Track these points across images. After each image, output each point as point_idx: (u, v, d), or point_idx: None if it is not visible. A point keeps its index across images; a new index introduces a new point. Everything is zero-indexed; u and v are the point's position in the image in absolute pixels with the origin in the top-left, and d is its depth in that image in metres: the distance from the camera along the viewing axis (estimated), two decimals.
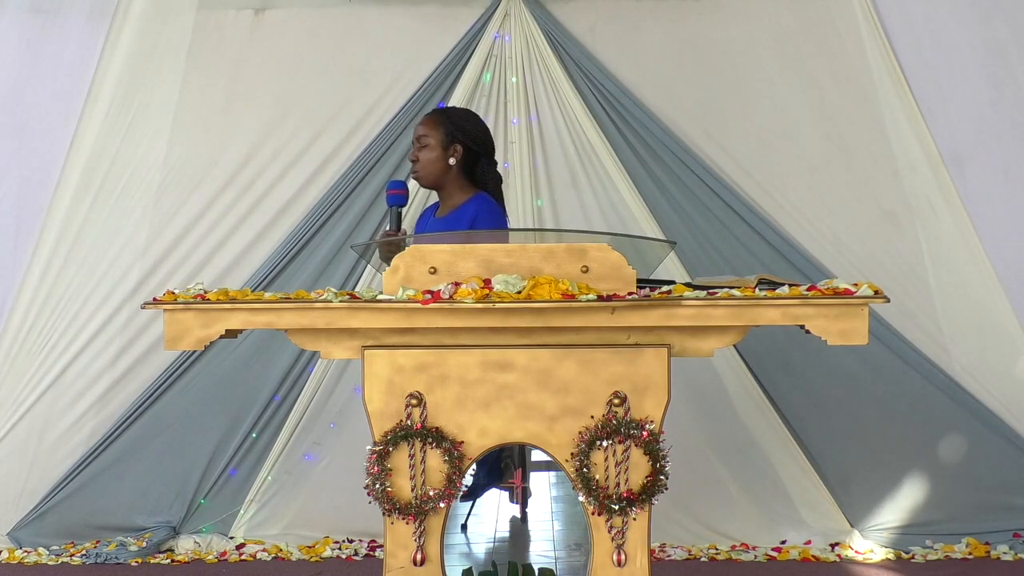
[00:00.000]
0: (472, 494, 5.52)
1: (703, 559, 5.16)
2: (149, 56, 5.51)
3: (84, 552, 5.26)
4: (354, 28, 5.53)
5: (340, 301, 3.01)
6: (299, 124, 5.51)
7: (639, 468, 3.00)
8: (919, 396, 5.33)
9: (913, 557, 5.15)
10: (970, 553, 5.15)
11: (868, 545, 5.24)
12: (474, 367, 3.02)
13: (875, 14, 5.41)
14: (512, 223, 5.45)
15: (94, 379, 5.45)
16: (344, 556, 5.26)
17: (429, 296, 2.98)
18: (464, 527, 5.75)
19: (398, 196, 4.02)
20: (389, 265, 3.10)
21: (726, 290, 3.03)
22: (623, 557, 3.01)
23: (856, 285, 3.04)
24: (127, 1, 5.51)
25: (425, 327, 3.01)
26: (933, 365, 5.34)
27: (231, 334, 3.12)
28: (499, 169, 5.58)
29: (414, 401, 3.02)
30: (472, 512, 5.80)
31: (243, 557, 5.27)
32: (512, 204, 5.46)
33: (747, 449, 5.38)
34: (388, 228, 4.08)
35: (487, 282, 2.99)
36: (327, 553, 5.28)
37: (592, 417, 3.00)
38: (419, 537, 3.03)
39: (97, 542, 5.36)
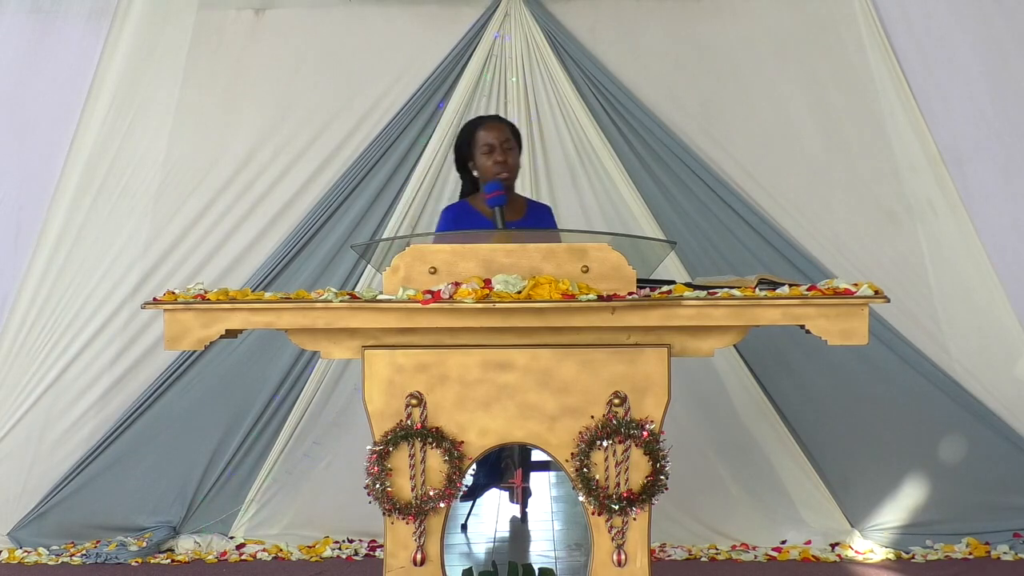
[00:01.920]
0: (472, 494, 5.52)
1: (703, 559, 5.16)
2: (149, 56, 5.51)
3: (84, 552, 5.26)
4: (354, 28, 5.53)
5: (340, 301, 3.01)
6: (299, 124, 5.51)
7: (639, 468, 3.00)
8: (919, 396, 5.33)
9: (913, 557, 5.15)
10: (970, 553, 5.15)
11: (868, 545, 5.23)
12: (474, 367, 3.02)
13: (875, 14, 5.41)
14: None
15: (94, 379, 5.45)
16: (344, 556, 5.26)
17: (429, 296, 2.98)
18: (464, 527, 5.75)
19: (502, 196, 4.07)
20: None
21: (726, 290, 3.03)
22: (623, 557, 3.01)
23: (856, 285, 3.04)
24: (127, 1, 5.51)
25: (425, 327, 3.01)
26: (933, 365, 5.34)
27: (231, 334, 3.12)
28: None
29: (414, 401, 3.02)
30: (472, 512, 5.80)
31: (243, 557, 5.27)
32: None
33: (747, 449, 5.38)
34: (497, 227, 4.05)
35: (487, 282, 2.99)
36: (327, 553, 5.28)
37: (592, 417, 3.01)
38: (419, 537, 3.03)
39: (97, 542, 5.36)
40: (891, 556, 5.17)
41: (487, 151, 4.30)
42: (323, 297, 3.04)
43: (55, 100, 5.52)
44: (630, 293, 3.00)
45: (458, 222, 4.45)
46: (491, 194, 4.09)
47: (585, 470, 2.99)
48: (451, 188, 5.49)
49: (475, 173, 4.40)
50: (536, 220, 4.40)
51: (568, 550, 5.34)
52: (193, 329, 3.03)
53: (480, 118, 4.43)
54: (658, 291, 3.04)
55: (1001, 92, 5.40)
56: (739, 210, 5.41)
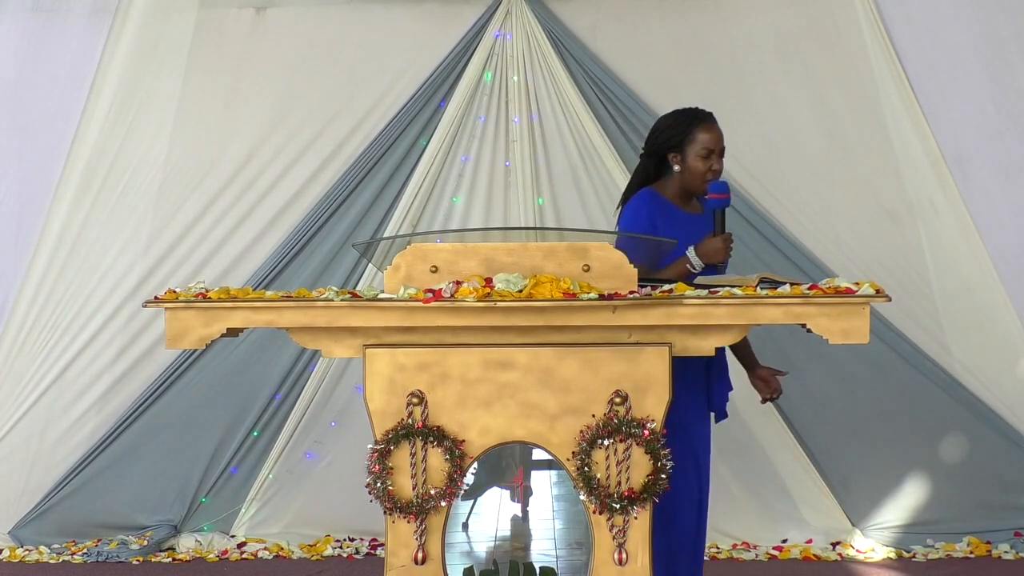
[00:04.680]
0: (473, 493, 5.52)
1: (704, 558, 5.15)
2: (150, 55, 5.51)
3: (85, 551, 5.27)
4: (355, 27, 5.53)
5: (341, 300, 3.01)
6: (300, 123, 5.50)
7: (640, 467, 2.99)
8: (920, 395, 5.32)
9: (914, 556, 5.15)
10: (971, 552, 5.16)
11: (869, 544, 5.23)
12: (475, 366, 3.02)
13: (877, 13, 5.41)
14: (513, 222, 5.46)
15: (95, 378, 5.45)
16: (345, 555, 5.27)
17: (431, 295, 2.97)
18: (465, 526, 5.75)
19: (729, 199, 3.77)
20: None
21: (727, 289, 3.02)
22: (624, 556, 3.00)
23: (857, 284, 3.03)
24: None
25: (426, 326, 3.00)
26: (934, 364, 5.34)
27: (232, 333, 3.11)
28: (501, 167, 5.56)
29: (415, 400, 3.02)
30: (473, 511, 5.81)
31: (244, 556, 5.27)
32: (514, 203, 5.46)
33: (748, 448, 5.38)
34: (714, 231, 3.73)
35: (488, 281, 2.99)
36: (328, 552, 5.29)
37: (593, 416, 3.00)
38: (420, 536, 3.03)
39: (98, 540, 5.36)
40: (892, 555, 5.17)
41: (705, 154, 3.86)
42: (324, 296, 3.03)
43: (56, 99, 5.52)
44: (631, 292, 3.00)
45: (657, 212, 3.90)
46: (718, 195, 3.76)
47: (586, 469, 2.98)
48: (452, 186, 5.49)
49: (676, 167, 3.89)
50: (708, 215, 3.94)
51: (569, 549, 5.34)
52: (194, 328, 3.03)
53: (699, 114, 3.96)
54: (659, 290, 3.03)
55: (1002, 91, 5.40)
56: (740, 209, 5.40)
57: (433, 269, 3.04)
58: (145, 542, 5.30)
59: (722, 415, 3.79)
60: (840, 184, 5.46)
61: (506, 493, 5.94)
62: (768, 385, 3.92)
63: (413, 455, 3.02)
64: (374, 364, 3.03)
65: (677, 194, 3.91)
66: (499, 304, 2.94)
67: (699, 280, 3.27)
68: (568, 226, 5.36)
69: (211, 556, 5.27)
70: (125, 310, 5.44)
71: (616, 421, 2.98)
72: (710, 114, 3.90)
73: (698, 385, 3.68)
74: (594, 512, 3.01)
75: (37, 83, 5.53)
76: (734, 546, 5.23)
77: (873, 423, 5.35)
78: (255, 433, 5.46)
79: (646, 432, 2.98)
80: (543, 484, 6.57)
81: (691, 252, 3.62)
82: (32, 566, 5.16)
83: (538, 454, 5.69)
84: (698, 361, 3.55)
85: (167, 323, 3.04)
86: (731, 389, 3.83)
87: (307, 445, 5.46)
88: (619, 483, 2.98)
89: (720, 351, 3.67)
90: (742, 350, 3.91)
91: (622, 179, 5.41)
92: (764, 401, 3.94)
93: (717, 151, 3.87)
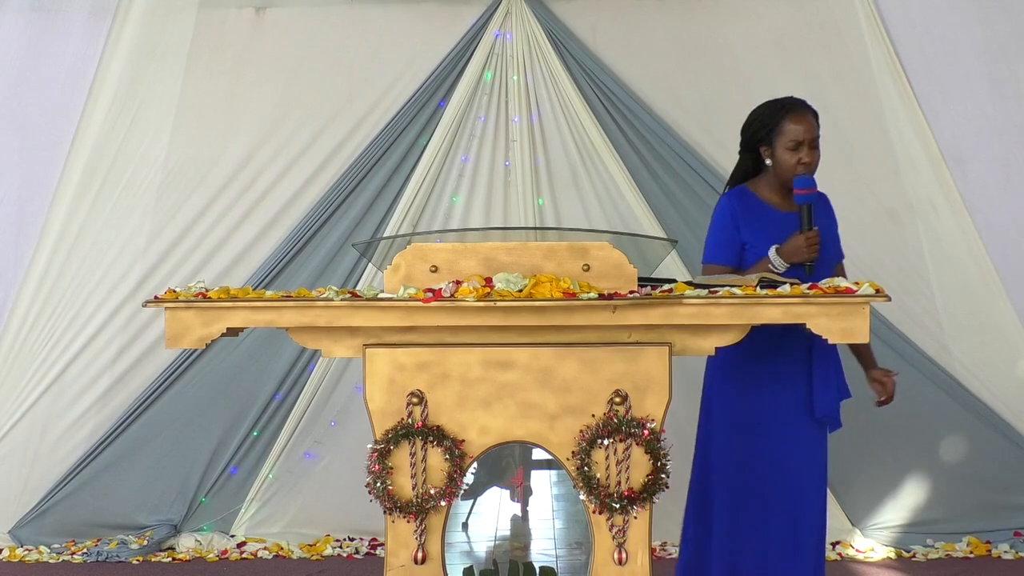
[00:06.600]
0: (473, 492, 5.52)
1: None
2: (150, 54, 5.51)
3: (85, 550, 5.27)
4: (355, 26, 5.53)
5: (341, 299, 3.01)
6: (300, 122, 5.50)
7: (640, 466, 2.99)
8: (920, 395, 5.32)
9: (914, 556, 5.15)
10: (971, 552, 5.16)
11: (869, 544, 5.23)
12: (475, 365, 3.02)
13: (877, 13, 5.41)
14: (513, 222, 5.46)
15: (95, 378, 5.45)
16: (345, 554, 5.27)
17: (430, 294, 2.98)
18: (465, 525, 5.75)
19: (815, 195, 3.68)
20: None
21: (727, 288, 3.02)
22: (624, 555, 3.01)
23: (857, 284, 3.03)
24: None
25: (426, 325, 3.00)
26: (934, 364, 5.34)
27: (232, 332, 3.12)
28: (500, 167, 5.56)
29: (415, 399, 3.02)
30: (473, 510, 5.80)
31: (244, 555, 5.27)
32: (514, 203, 5.46)
33: None
34: (801, 229, 3.65)
35: (488, 280, 2.99)
36: (328, 551, 5.29)
37: (593, 416, 3.00)
38: (420, 535, 3.03)
39: (98, 540, 5.36)
40: (892, 555, 5.17)
41: (793, 147, 3.68)
42: (324, 295, 3.04)
43: (56, 99, 5.52)
44: (631, 292, 3.00)
45: (741, 212, 3.75)
46: (803, 190, 3.61)
47: (586, 469, 2.98)
48: (452, 186, 5.49)
49: (767, 161, 3.75)
50: (825, 212, 3.91)
51: (569, 548, 5.34)
52: (194, 327, 3.03)
53: (786, 103, 3.75)
54: (659, 290, 3.04)
55: (1002, 91, 5.40)
56: None
57: (433, 269, 3.04)
58: (145, 542, 5.30)
59: (834, 424, 3.68)
60: (840, 183, 5.42)
61: (506, 493, 5.93)
62: (884, 387, 3.85)
63: (413, 455, 3.02)
64: (374, 364, 3.04)
65: (774, 190, 3.76)
66: (499, 304, 2.94)
67: (698, 279, 3.27)
68: (568, 226, 5.36)
69: (211, 556, 5.27)
70: (125, 310, 5.44)
71: (616, 421, 2.99)
72: (801, 102, 3.73)
73: (796, 385, 3.61)
74: (594, 512, 3.01)
75: (37, 83, 5.53)
76: None
77: (872, 423, 5.34)
78: (255, 433, 5.46)
79: (646, 432, 2.98)
80: (543, 484, 6.56)
81: (772, 252, 3.59)
82: (32, 566, 5.16)
83: (538, 454, 5.69)
84: (800, 358, 3.54)
85: (167, 323, 3.04)
86: (847, 396, 3.71)
87: (307, 445, 5.46)
88: (619, 483, 2.99)
89: (831, 350, 3.62)
90: (859, 348, 3.76)
91: (622, 179, 5.42)
92: (879, 404, 3.81)
93: (807, 142, 3.69)
